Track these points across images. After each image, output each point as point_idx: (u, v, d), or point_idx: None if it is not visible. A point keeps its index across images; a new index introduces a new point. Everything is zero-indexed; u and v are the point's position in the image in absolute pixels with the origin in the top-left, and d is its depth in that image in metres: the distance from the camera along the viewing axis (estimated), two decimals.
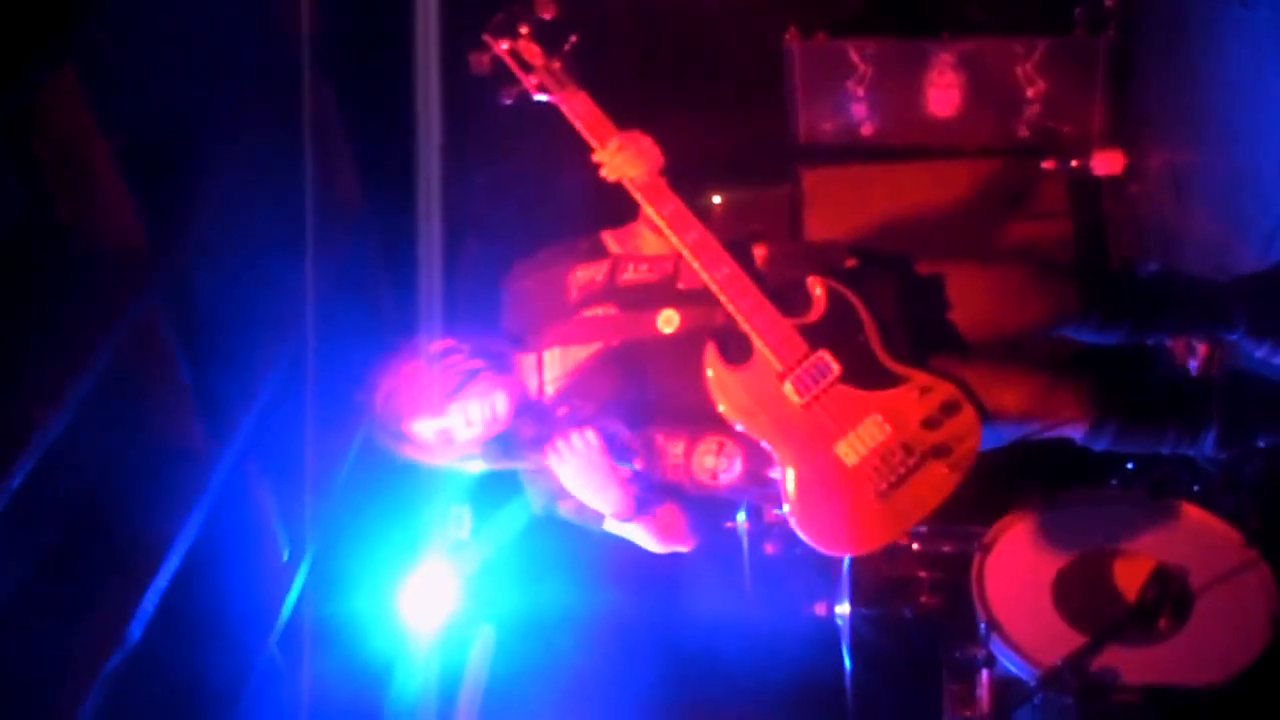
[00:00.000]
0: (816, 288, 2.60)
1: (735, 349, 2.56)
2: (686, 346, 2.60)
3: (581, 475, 2.63)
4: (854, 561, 4.04)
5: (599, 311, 2.76)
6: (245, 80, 4.09)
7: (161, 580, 3.42)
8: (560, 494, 2.83)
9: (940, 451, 2.52)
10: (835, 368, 2.53)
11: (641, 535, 2.84)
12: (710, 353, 2.55)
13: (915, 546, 4.08)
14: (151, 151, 3.55)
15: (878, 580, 4.01)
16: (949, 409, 2.52)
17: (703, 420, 2.61)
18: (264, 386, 3.94)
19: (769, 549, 4.41)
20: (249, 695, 3.82)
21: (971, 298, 2.82)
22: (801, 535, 2.57)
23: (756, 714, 4.52)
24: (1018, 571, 3.24)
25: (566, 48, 2.84)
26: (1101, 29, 4.95)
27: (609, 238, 3.01)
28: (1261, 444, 2.97)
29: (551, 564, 4.65)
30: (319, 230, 3.99)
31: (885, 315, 2.62)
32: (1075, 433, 2.87)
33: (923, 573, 4.04)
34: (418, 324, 3.59)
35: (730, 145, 5.30)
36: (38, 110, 3.33)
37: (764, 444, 2.57)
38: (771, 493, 2.64)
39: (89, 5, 3.35)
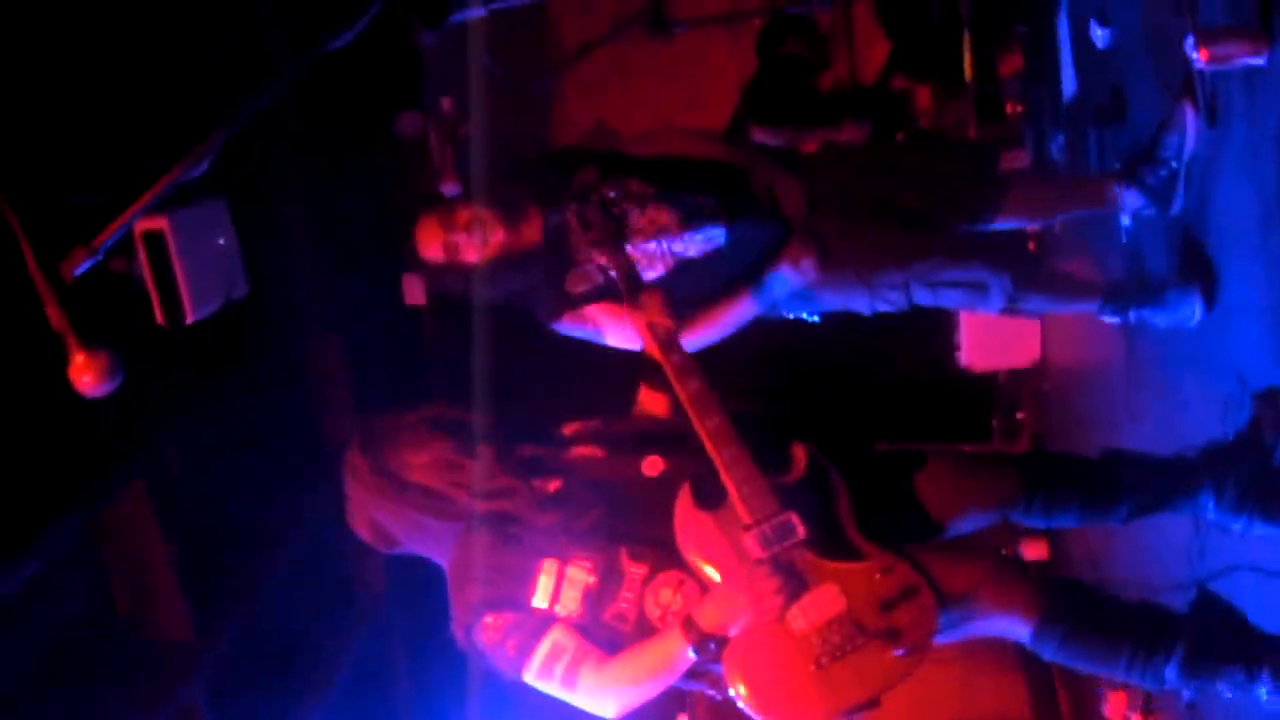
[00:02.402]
0: (799, 451, 2.55)
1: (710, 494, 2.48)
2: (667, 489, 2.52)
3: None
4: None
5: (586, 452, 2.67)
6: (292, 491, 4.42)
7: None
8: None
9: (892, 635, 2.36)
10: (800, 531, 2.40)
11: None
12: (685, 492, 2.48)
13: None
14: (204, 554, 3.83)
15: None
16: (908, 593, 2.38)
17: (671, 556, 2.47)
18: None
19: None
20: None
21: (921, 484, 2.70)
22: (733, 690, 2.37)
23: None
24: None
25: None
26: (1015, 438, 5.47)
27: None
28: (1226, 689, 2.59)
29: None
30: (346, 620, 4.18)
31: (860, 489, 2.53)
32: (1021, 631, 2.62)
33: None
34: None
35: None
36: (108, 518, 3.64)
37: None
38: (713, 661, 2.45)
39: (162, 426, 3.73)
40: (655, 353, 2.63)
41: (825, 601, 2.38)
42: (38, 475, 3.12)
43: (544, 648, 2.38)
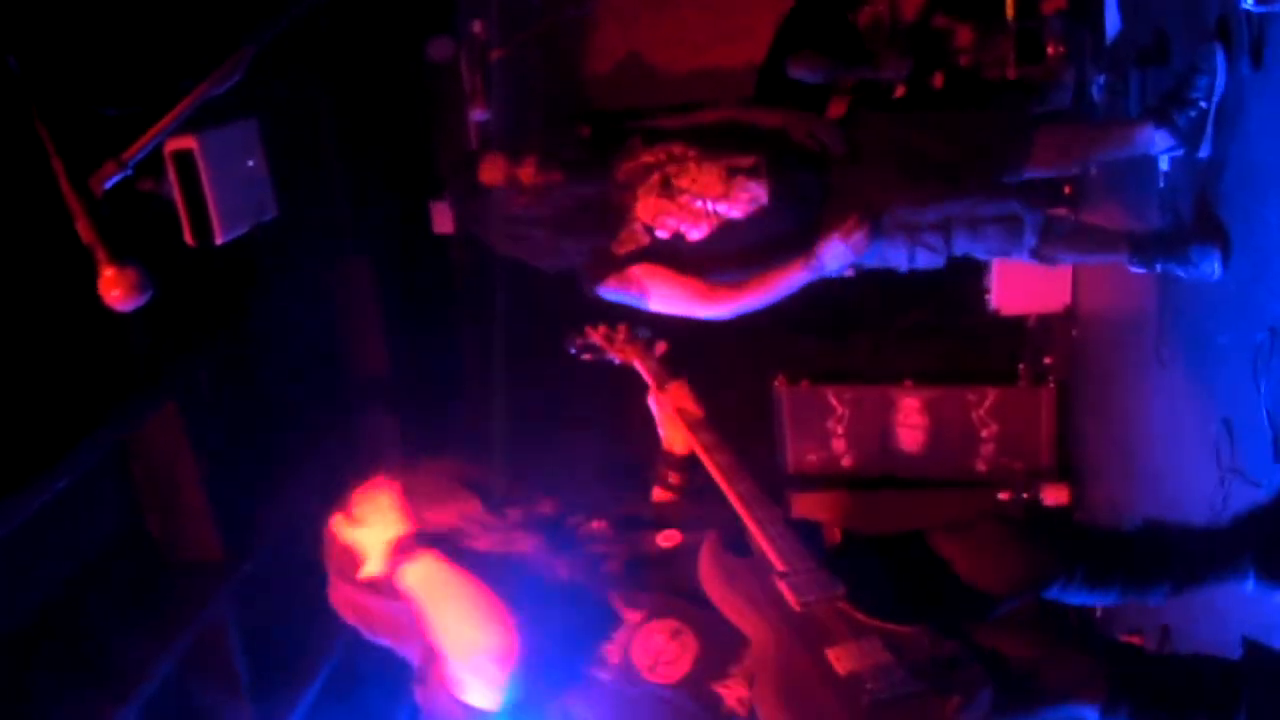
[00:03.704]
0: (834, 531, 2.49)
1: (740, 549, 2.35)
2: (683, 555, 2.40)
3: None
4: None
5: (600, 526, 2.55)
6: (318, 408, 4.46)
7: None
8: None
9: (944, 688, 2.11)
10: (841, 587, 2.24)
11: None
12: (712, 538, 2.35)
13: None
14: (233, 474, 3.87)
15: None
16: (956, 661, 2.15)
17: (672, 605, 2.31)
18: (311, 687, 4.10)
19: None
20: None
21: (954, 562, 2.57)
22: None
23: None
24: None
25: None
26: (1042, 382, 5.46)
27: None
28: None
29: None
30: None
31: (902, 564, 2.46)
32: (1089, 714, 2.47)
33: None
34: None
35: None
36: (140, 438, 3.67)
37: (739, 628, 2.26)
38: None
39: (193, 350, 3.75)
40: (684, 433, 2.69)
41: (869, 650, 2.16)
42: (69, 394, 3.15)
43: None
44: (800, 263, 3.17)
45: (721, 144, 3.24)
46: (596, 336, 3.07)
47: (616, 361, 3.01)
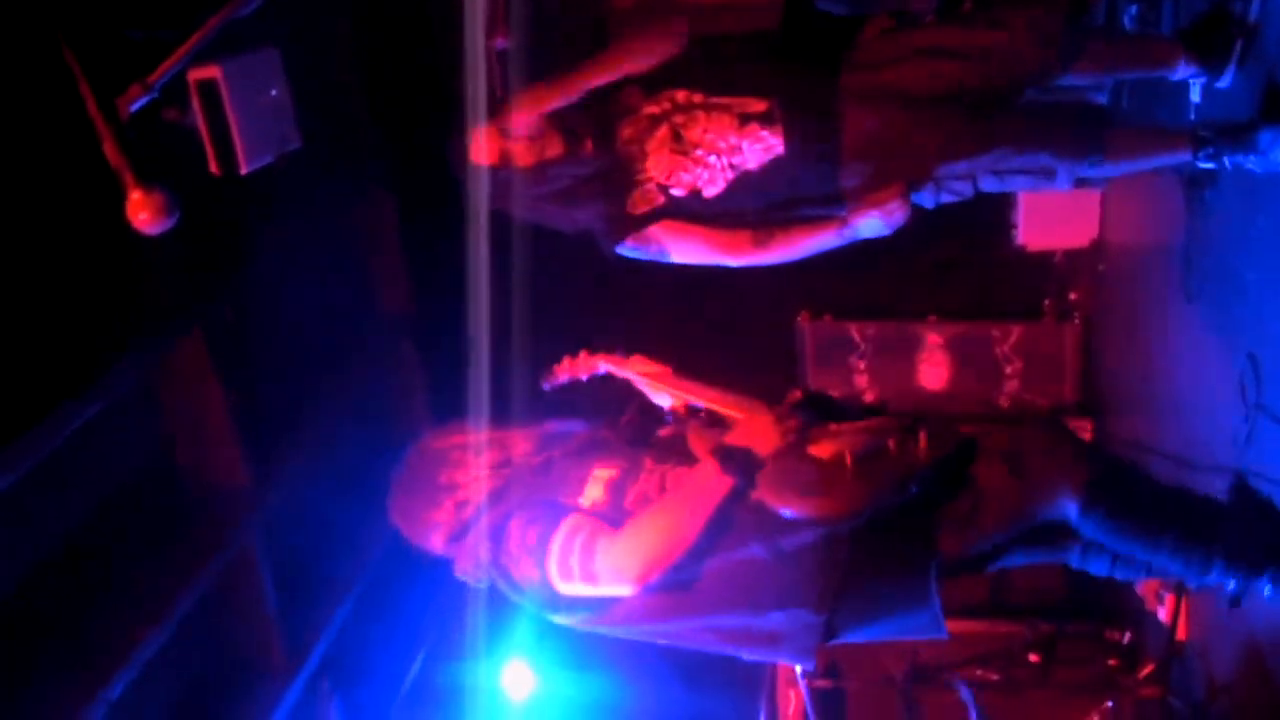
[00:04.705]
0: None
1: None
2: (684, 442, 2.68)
3: None
4: None
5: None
6: (345, 348, 4.49)
7: None
8: None
9: (914, 431, 2.44)
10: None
11: None
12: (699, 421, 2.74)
13: None
14: (259, 405, 3.91)
15: None
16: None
17: (693, 460, 2.55)
18: (339, 612, 4.17)
19: None
20: None
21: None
22: (782, 506, 2.37)
23: None
24: None
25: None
26: (1067, 318, 5.43)
27: None
28: (1265, 587, 2.56)
29: None
30: None
31: None
32: (1069, 508, 2.53)
33: None
34: None
35: None
36: (168, 366, 3.71)
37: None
38: None
39: (219, 285, 3.78)
40: (665, 386, 2.87)
41: (850, 431, 2.46)
42: (98, 319, 3.18)
43: (564, 528, 2.36)
44: (833, 229, 3.13)
45: (728, 87, 3.10)
46: (561, 372, 3.17)
47: (586, 378, 3.14)
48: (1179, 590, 4.09)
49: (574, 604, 2.40)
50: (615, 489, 2.47)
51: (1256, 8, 3.04)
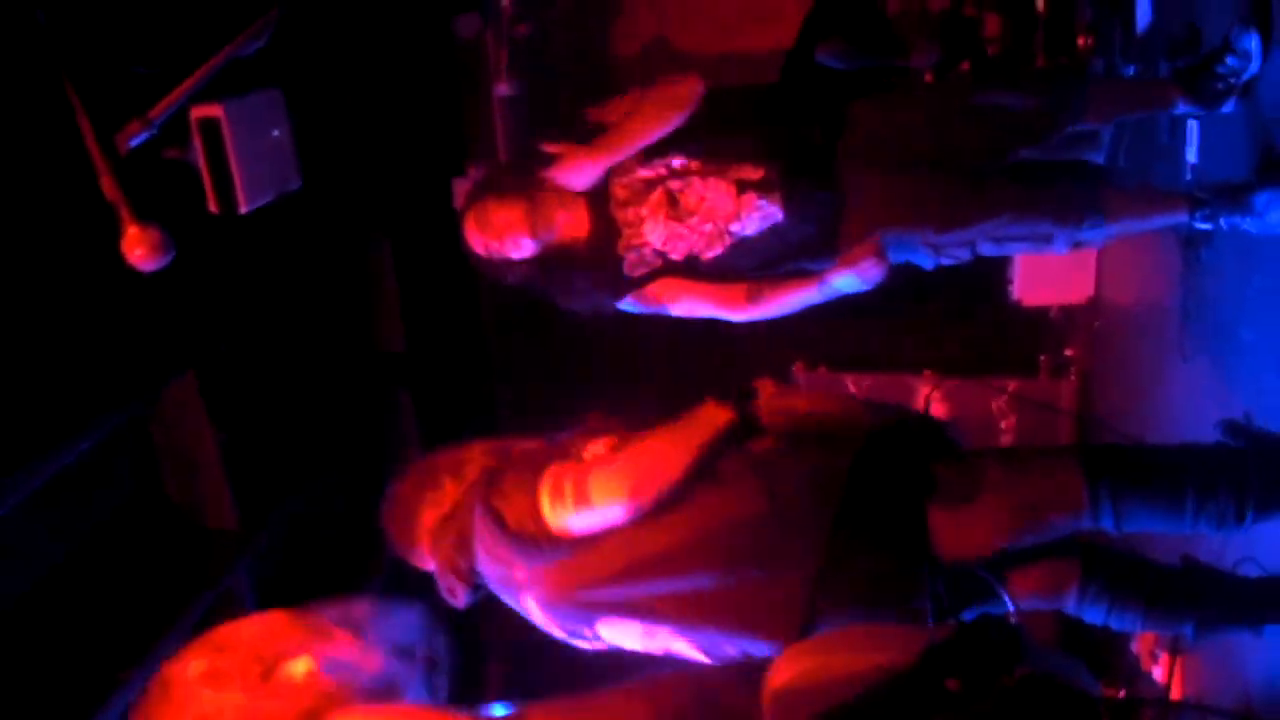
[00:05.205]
0: None
1: None
2: None
3: None
4: None
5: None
6: (338, 389, 4.47)
7: None
8: None
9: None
10: None
11: None
12: None
13: None
14: (251, 446, 3.89)
15: None
16: None
17: None
18: None
19: None
20: None
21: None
22: None
23: None
24: None
25: None
26: (1063, 374, 5.43)
27: None
28: None
29: None
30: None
31: None
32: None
33: None
34: None
35: None
36: (161, 406, 3.70)
37: None
38: None
39: (215, 325, 3.78)
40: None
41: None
42: (91, 356, 3.16)
43: (558, 460, 2.32)
44: (812, 285, 3.09)
45: (724, 152, 3.07)
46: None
47: None
48: (1174, 648, 4.06)
49: (558, 545, 2.31)
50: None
51: (1251, 72, 3.07)
